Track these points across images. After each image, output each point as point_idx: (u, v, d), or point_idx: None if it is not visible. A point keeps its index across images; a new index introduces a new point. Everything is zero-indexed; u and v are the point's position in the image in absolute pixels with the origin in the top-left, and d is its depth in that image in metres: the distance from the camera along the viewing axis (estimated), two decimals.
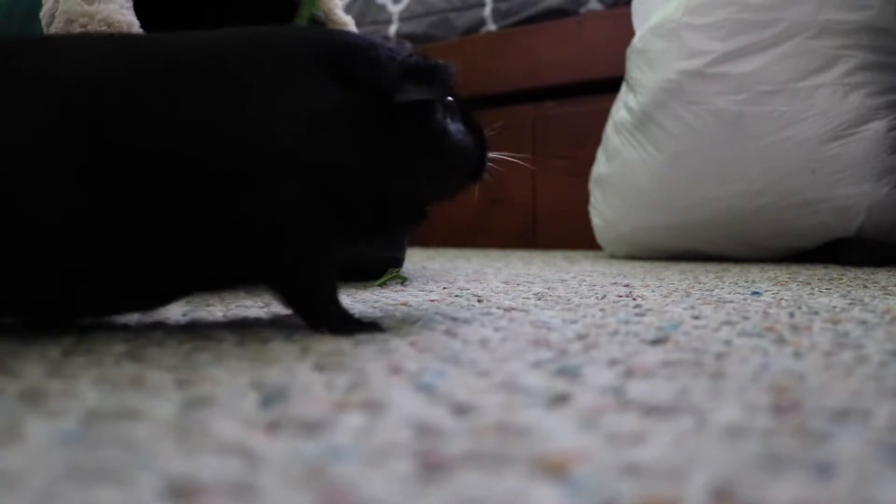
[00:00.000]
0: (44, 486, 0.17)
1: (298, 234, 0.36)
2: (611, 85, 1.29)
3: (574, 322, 0.41)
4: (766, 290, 0.59)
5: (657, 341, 0.35)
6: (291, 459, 0.18)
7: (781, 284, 0.65)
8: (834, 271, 0.81)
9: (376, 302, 0.52)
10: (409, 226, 0.43)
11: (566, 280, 0.71)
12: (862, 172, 0.95)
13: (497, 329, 0.39)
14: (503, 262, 1.03)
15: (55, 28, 0.60)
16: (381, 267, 0.70)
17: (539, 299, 0.53)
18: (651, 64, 1.11)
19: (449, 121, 0.40)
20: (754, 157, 1.00)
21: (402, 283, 0.67)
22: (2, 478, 0.17)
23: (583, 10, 1.57)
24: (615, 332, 0.37)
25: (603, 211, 1.18)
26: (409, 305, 0.50)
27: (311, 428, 0.21)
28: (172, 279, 0.37)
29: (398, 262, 0.73)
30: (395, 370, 0.29)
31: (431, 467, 0.18)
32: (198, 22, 0.85)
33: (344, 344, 0.34)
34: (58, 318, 0.39)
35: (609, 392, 0.25)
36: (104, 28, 0.59)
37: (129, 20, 0.60)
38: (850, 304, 0.49)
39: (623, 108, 1.16)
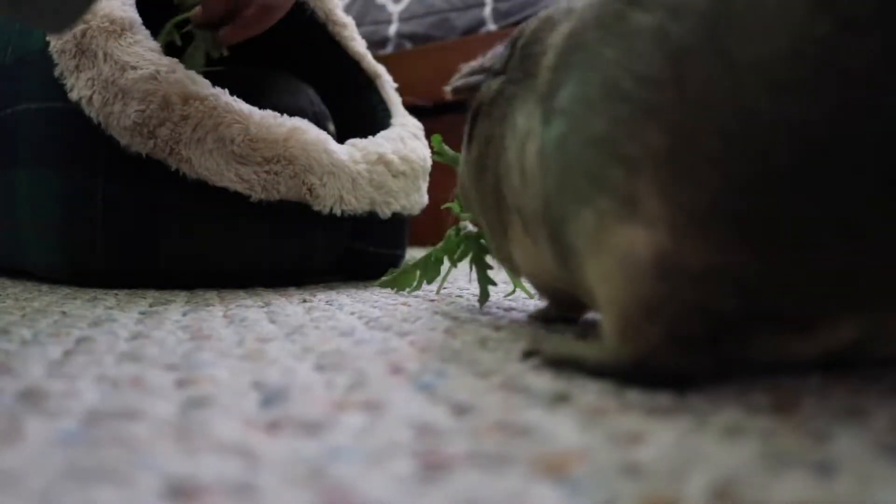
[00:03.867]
0: (44, 486, 0.17)
1: None
2: None
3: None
4: None
5: None
6: (291, 459, 0.18)
7: None
8: None
9: (376, 301, 0.52)
10: None
11: None
12: None
13: (497, 329, 0.39)
14: None
15: None
16: (381, 266, 0.70)
17: (540, 299, 0.53)
18: None
19: None
20: None
21: None
22: (2, 478, 0.17)
23: None
24: None
25: None
26: (409, 305, 0.50)
27: (311, 428, 0.21)
28: None
29: (399, 260, 0.73)
30: (395, 370, 0.29)
31: (432, 467, 0.18)
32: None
33: (344, 344, 0.34)
34: None
35: (609, 392, 0.25)
36: (106, 24, 0.59)
37: (130, 17, 0.61)
38: None
39: None
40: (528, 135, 0.32)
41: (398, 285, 0.54)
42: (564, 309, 0.40)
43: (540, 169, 0.31)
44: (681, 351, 0.24)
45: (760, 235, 0.22)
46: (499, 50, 0.40)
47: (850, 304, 0.23)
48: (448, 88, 0.42)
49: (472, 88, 0.41)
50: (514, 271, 0.42)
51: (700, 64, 0.23)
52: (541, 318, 0.41)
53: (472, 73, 0.41)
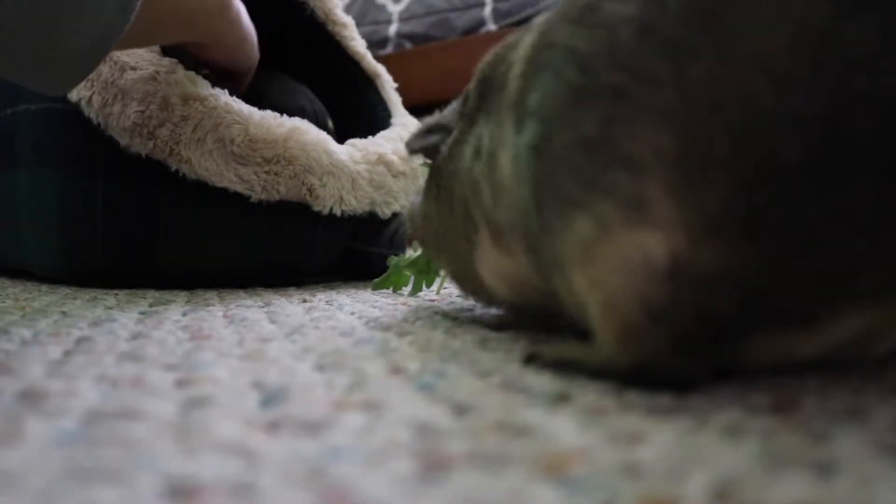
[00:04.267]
0: (44, 486, 0.17)
1: None
2: None
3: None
4: None
5: None
6: (291, 459, 0.18)
7: None
8: None
9: (376, 301, 0.52)
10: None
11: None
12: None
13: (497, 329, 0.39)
14: None
15: None
16: (381, 266, 0.70)
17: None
18: None
19: None
20: None
21: None
22: (2, 478, 0.17)
23: None
24: None
25: None
26: (409, 305, 0.50)
27: (311, 428, 0.21)
28: None
29: None
30: (395, 370, 0.29)
31: (431, 467, 0.18)
32: None
33: (344, 344, 0.34)
34: None
35: (609, 392, 0.25)
36: None
37: None
38: None
39: None
40: (499, 146, 0.31)
41: (393, 285, 0.54)
42: (530, 320, 0.39)
43: (516, 178, 0.30)
44: (681, 354, 0.24)
45: (768, 232, 0.22)
46: (453, 106, 0.40)
47: (853, 298, 0.23)
48: (406, 147, 0.42)
49: (431, 149, 0.40)
50: (480, 295, 0.41)
51: (699, 59, 0.23)
52: (494, 327, 0.39)
53: (429, 132, 0.40)
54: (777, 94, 0.22)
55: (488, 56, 0.36)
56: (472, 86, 0.37)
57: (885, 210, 0.22)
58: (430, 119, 0.41)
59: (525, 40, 0.31)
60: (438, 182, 0.39)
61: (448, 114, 0.40)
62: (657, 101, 0.23)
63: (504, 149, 0.31)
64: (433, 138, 0.40)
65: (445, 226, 0.39)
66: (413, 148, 0.41)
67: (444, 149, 0.39)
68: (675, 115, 0.23)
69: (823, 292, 0.23)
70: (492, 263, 0.36)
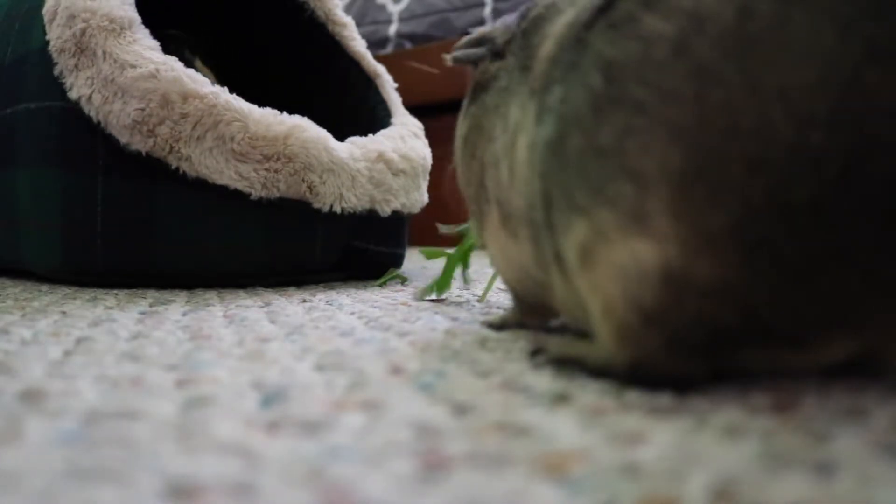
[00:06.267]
0: (44, 486, 0.17)
1: None
2: None
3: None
4: None
5: None
6: (291, 459, 0.18)
7: None
8: None
9: (376, 301, 0.52)
10: None
11: None
12: None
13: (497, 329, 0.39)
14: None
15: (57, 24, 0.60)
16: (381, 265, 0.70)
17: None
18: None
19: None
20: None
21: (402, 283, 0.67)
22: (2, 478, 0.17)
23: None
24: None
25: None
26: (409, 305, 0.50)
27: (311, 428, 0.21)
28: None
29: (399, 259, 0.73)
30: (395, 370, 0.29)
31: (431, 467, 0.18)
32: (195, 19, 0.85)
33: (344, 344, 0.34)
34: None
35: (609, 392, 0.25)
36: (105, 23, 0.59)
37: (130, 16, 0.61)
38: None
39: None
40: (519, 129, 0.31)
41: (437, 290, 0.53)
42: (529, 311, 0.39)
43: (529, 167, 0.30)
44: (677, 357, 0.24)
45: (765, 259, 0.23)
46: (509, 20, 0.38)
47: (842, 328, 0.24)
48: (448, 57, 0.40)
49: (474, 61, 0.39)
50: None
51: (725, 85, 0.23)
52: (495, 326, 0.40)
53: (476, 44, 0.39)
54: (796, 130, 0.22)
55: (537, 9, 0.35)
56: (521, 24, 0.36)
57: (884, 251, 0.22)
58: (484, 29, 0.39)
59: (564, 17, 0.30)
60: (467, 117, 0.38)
61: (500, 29, 0.38)
62: (674, 119, 0.23)
63: (523, 134, 0.31)
64: (477, 51, 0.38)
65: (467, 180, 0.38)
66: (456, 58, 0.39)
67: (481, 75, 0.37)
68: (689, 136, 0.23)
69: (813, 320, 0.24)
70: (499, 244, 0.36)
